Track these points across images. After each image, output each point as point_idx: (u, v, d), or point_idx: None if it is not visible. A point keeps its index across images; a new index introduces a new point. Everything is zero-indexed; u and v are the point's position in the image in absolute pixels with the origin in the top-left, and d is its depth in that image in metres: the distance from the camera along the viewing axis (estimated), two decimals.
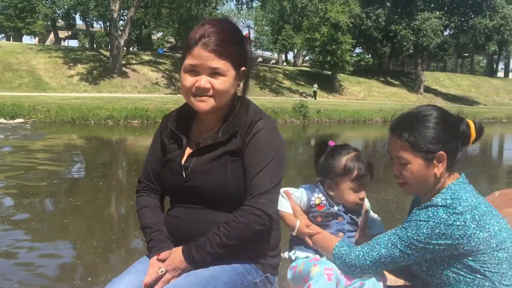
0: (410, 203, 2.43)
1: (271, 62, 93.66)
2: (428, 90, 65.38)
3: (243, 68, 2.19)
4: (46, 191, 10.68)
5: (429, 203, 2.05)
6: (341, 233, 2.33)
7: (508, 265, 2.01)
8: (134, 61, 47.58)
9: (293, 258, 2.37)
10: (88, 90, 39.53)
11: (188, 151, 2.23)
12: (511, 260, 2.02)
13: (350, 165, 2.31)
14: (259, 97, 45.42)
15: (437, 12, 58.89)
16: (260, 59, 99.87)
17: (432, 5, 60.85)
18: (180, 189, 2.20)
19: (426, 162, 2.06)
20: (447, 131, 2.07)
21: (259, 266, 2.22)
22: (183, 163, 2.19)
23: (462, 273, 2.02)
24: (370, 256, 2.07)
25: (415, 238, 1.98)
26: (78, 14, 66.03)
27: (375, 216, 2.52)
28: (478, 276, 2.00)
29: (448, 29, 66.47)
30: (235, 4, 53.44)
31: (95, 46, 68.00)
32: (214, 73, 2.07)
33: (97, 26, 76.35)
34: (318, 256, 2.29)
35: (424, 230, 1.96)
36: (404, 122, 2.11)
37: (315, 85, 51.24)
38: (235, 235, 2.04)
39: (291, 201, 2.38)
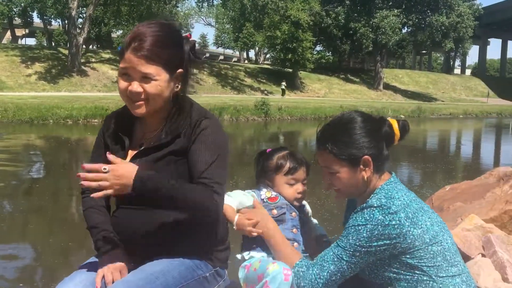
0: (345, 207, 2.50)
1: (233, 60, 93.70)
2: (387, 87, 66.37)
3: (180, 70, 2.18)
4: (4, 192, 10.49)
5: (364, 205, 2.10)
6: (295, 229, 2.39)
7: (442, 257, 2.08)
8: (93, 60, 46.95)
9: (246, 258, 2.38)
10: (46, 89, 38.82)
11: (131, 152, 2.25)
12: (445, 252, 2.09)
13: (281, 161, 2.45)
14: (220, 95, 45.40)
15: (395, 10, 59.81)
16: (221, 57, 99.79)
17: (390, 3, 61.71)
18: None
19: (352, 169, 2.13)
20: (369, 135, 2.14)
21: (208, 260, 2.26)
22: None
23: (402, 271, 2.08)
24: (321, 277, 2.07)
25: (357, 244, 2.02)
26: (35, 11, 64.77)
27: (315, 221, 2.68)
28: (417, 272, 2.07)
29: (406, 27, 67.53)
30: (195, 2, 53.15)
31: (53, 44, 66.84)
32: (145, 77, 2.07)
33: (55, 24, 75.04)
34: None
35: (364, 234, 2.01)
36: (327, 133, 2.18)
37: (283, 83, 51.59)
38: (190, 194, 2.03)
39: (256, 202, 2.43)
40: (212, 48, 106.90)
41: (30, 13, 67.73)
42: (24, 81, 39.53)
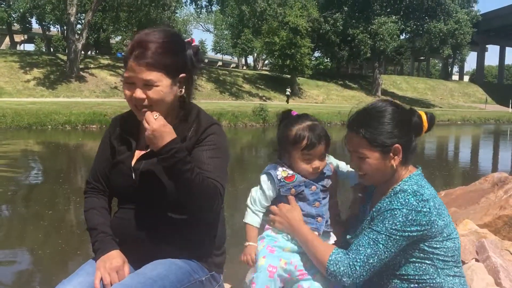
0: (352, 190, 2.52)
1: (231, 66, 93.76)
2: (385, 93, 66.43)
3: (183, 75, 2.23)
4: (3, 198, 10.50)
5: (397, 188, 2.16)
6: (317, 203, 2.34)
7: (451, 254, 2.16)
8: (92, 65, 46.98)
9: (264, 234, 2.40)
10: (45, 95, 38.82)
11: (137, 153, 2.30)
12: (455, 251, 2.17)
13: (300, 134, 2.29)
14: (219, 101, 45.40)
15: (393, 17, 60.02)
16: (220, 63, 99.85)
17: (389, 9, 61.94)
18: (129, 190, 2.26)
19: (383, 155, 2.17)
20: (400, 125, 2.19)
21: (204, 264, 2.30)
22: (133, 165, 2.26)
23: (413, 257, 2.14)
24: (358, 260, 2.07)
25: (393, 228, 2.05)
26: (34, 17, 64.82)
27: (346, 167, 2.50)
28: (427, 261, 2.14)
29: (404, 33, 67.73)
30: (194, 8, 53.21)
31: (52, 50, 66.87)
32: (147, 84, 2.13)
33: (54, 30, 75.07)
34: (274, 247, 2.31)
35: (400, 219, 2.05)
36: (360, 119, 2.21)
37: (288, 89, 51.94)
38: (205, 185, 2.06)
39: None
40: (210, 54, 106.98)
41: (29, 19, 67.76)
42: (23, 87, 39.53)
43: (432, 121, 2.27)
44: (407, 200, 2.06)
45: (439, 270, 2.13)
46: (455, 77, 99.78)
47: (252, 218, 2.37)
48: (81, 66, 44.19)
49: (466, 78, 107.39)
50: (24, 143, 21.73)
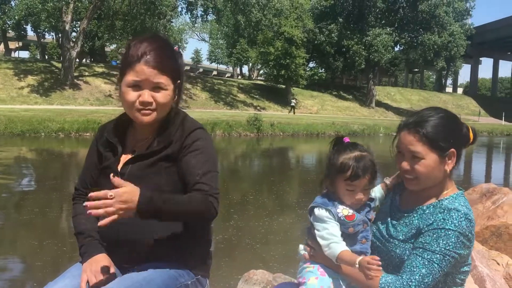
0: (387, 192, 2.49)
1: (226, 75, 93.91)
2: (379, 104, 66.67)
3: (178, 81, 2.31)
4: None
5: (445, 201, 2.18)
6: (364, 240, 2.28)
7: (465, 277, 2.21)
8: (86, 73, 46.95)
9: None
10: (39, 102, 38.75)
11: (124, 158, 2.34)
12: (467, 274, 2.22)
13: (346, 163, 2.24)
14: (213, 110, 45.47)
15: (388, 28, 60.41)
16: (215, 72, 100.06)
17: (383, 21, 62.28)
18: None
19: (440, 158, 2.16)
20: (456, 131, 2.21)
21: (191, 269, 2.32)
22: (119, 170, 2.29)
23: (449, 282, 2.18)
24: (413, 280, 2.03)
25: (447, 248, 2.04)
26: (29, 25, 64.75)
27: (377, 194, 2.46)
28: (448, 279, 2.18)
29: (398, 45, 68.11)
30: (189, 17, 53.28)
31: (46, 57, 66.81)
32: (156, 87, 2.20)
33: (49, 37, 75.07)
34: (325, 270, 2.27)
35: (453, 239, 2.04)
36: (419, 120, 2.18)
37: (293, 100, 52.30)
38: (194, 205, 2.10)
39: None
40: (205, 63, 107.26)
41: (24, 26, 67.65)
42: (17, 94, 39.46)
43: (475, 135, 2.28)
44: (460, 222, 2.06)
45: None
46: (449, 89, 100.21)
47: (338, 246, 2.19)
48: (75, 74, 44.15)
49: (460, 90, 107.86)
50: (17, 150, 21.67)
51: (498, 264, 3.99)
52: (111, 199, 1.90)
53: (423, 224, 2.14)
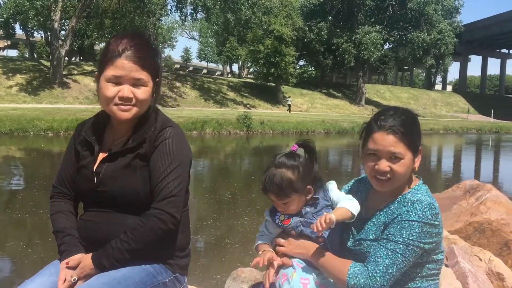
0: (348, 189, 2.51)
1: (216, 73, 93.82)
2: (369, 102, 66.88)
3: (157, 79, 2.32)
4: None
5: (407, 195, 2.24)
6: (321, 239, 2.31)
7: (440, 265, 2.26)
8: (76, 72, 46.77)
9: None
10: (27, 101, 38.57)
11: (101, 157, 2.34)
12: (442, 262, 2.27)
13: (263, 177, 2.36)
14: (203, 109, 45.42)
15: (377, 26, 60.62)
16: (205, 71, 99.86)
17: (373, 19, 62.49)
18: (91, 194, 2.30)
19: (413, 157, 2.23)
20: (419, 129, 2.30)
21: (168, 266, 2.34)
22: (95, 169, 2.30)
23: (420, 271, 2.23)
24: (377, 271, 2.07)
25: (410, 238, 2.08)
26: (18, 23, 64.32)
27: (337, 193, 2.41)
28: (427, 275, 2.24)
29: (388, 43, 68.37)
30: (179, 16, 53.14)
31: (35, 56, 66.42)
32: (137, 83, 2.20)
33: (38, 35, 74.54)
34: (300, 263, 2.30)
35: (417, 230, 2.08)
36: (396, 121, 2.21)
37: (290, 99, 52.49)
38: (141, 239, 2.16)
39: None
40: (195, 61, 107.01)
41: (13, 24, 67.23)
42: (5, 93, 39.25)
43: None
44: (424, 213, 2.09)
45: (430, 281, 2.23)
46: (438, 86, 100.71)
47: (262, 239, 2.45)
48: (64, 73, 43.98)
49: (449, 88, 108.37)
50: (5, 149, 21.57)
51: (480, 260, 4.04)
52: (75, 282, 2.16)
53: (389, 219, 2.19)
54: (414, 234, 2.07)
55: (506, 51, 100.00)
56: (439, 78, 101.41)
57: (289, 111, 50.69)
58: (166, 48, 78.99)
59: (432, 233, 2.11)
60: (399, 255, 2.07)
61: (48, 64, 44.70)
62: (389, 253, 2.08)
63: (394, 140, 2.17)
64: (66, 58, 46.47)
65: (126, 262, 2.18)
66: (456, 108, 77.59)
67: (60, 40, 43.24)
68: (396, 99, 73.73)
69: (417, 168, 2.27)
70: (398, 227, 2.11)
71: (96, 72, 2.31)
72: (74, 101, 41.13)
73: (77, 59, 64.23)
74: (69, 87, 43.04)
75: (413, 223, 2.08)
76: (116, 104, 2.23)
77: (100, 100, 2.29)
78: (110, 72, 2.20)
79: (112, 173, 2.26)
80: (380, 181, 2.24)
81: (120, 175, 2.23)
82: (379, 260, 2.08)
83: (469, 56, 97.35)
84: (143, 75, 2.21)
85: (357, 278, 2.08)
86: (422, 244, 2.09)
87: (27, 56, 67.48)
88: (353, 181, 2.55)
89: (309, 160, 2.37)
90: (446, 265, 3.81)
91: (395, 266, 2.07)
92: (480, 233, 4.38)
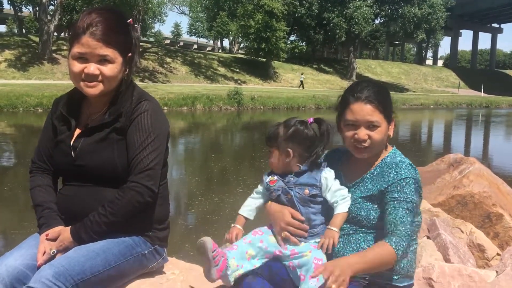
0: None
1: (207, 49, 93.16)
2: (360, 77, 66.61)
3: (129, 54, 2.33)
4: None
5: (387, 159, 2.37)
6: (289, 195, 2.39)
7: (418, 228, 2.41)
8: (65, 47, 46.16)
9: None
10: (16, 77, 38.24)
11: (77, 132, 2.37)
12: (420, 224, 2.42)
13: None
14: (193, 84, 45.23)
15: (368, 1, 60.27)
16: (195, 46, 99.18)
17: None
18: (69, 168, 2.33)
19: (388, 125, 2.36)
20: (391, 99, 2.45)
21: (147, 238, 2.39)
22: (72, 143, 2.33)
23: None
24: (408, 229, 2.18)
25: (411, 195, 2.23)
26: None
27: (331, 183, 2.40)
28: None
29: (379, 18, 68.05)
30: None
31: (24, 31, 65.64)
32: (103, 60, 2.21)
33: (26, 10, 73.59)
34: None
35: (412, 186, 2.24)
36: (372, 92, 2.34)
37: (302, 75, 52.74)
38: (119, 212, 2.20)
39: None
40: (185, 36, 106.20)
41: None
42: None
43: None
44: (410, 170, 2.27)
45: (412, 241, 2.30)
46: (429, 61, 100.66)
47: (244, 209, 2.55)
48: (53, 48, 43.57)
49: (440, 62, 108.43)
50: None
51: (462, 232, 4.12)
52: (55, 255, 2.20)
53: (381, 186, 2.30)
54: (412, 189, 2.23)
55: (497, 25, 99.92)
56: (430, 53, 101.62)
57: (303, 87, 50.98)
58: (156, 23, 78.23)
59: (419, 191, 2.27)
60: (410, 212, 2.20)
61: (37, 39, 44.24)
62: (407, 212, 2.19)
63: (371, 109, 2.31)
64: (55, 34, 45.99)
65: (104, 235, 2.23)
66: (447, 83, 77.66)
67: (48, 15, 42.78)
68: (387, 74, 73.69)
69: (392, 135, 2.40)
70: (399, 187, 2.24)
71: (68, 47, 2.31)
72: (64, 76, 40.75)
73: (66, 35, 63.54)
74: (59, 62, 42.67)
75: (408, 179, 2.24)
76: (83, 81, 2.24)
77: (70, 76, 2.31)
78: (76, 49, 2.21)
79: (88, 147, 2.28)
80: (359, 149, 2.34)
81: (97, 149, 2.26)
82: (404, 220, 2.18)
83: (460, 31, 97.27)
84: (109, 52, 2.21)
85: (400, 244, 2.16)
86: (416, 200, 2.24)
87: (16, 31, 66.65)
88: (323, 156, 2.56)
89: (315, 137, 2.45)
90: (428, 237, 3.88)
91: (412, 222, 2.23)
92: (463, 206, 4.46)
